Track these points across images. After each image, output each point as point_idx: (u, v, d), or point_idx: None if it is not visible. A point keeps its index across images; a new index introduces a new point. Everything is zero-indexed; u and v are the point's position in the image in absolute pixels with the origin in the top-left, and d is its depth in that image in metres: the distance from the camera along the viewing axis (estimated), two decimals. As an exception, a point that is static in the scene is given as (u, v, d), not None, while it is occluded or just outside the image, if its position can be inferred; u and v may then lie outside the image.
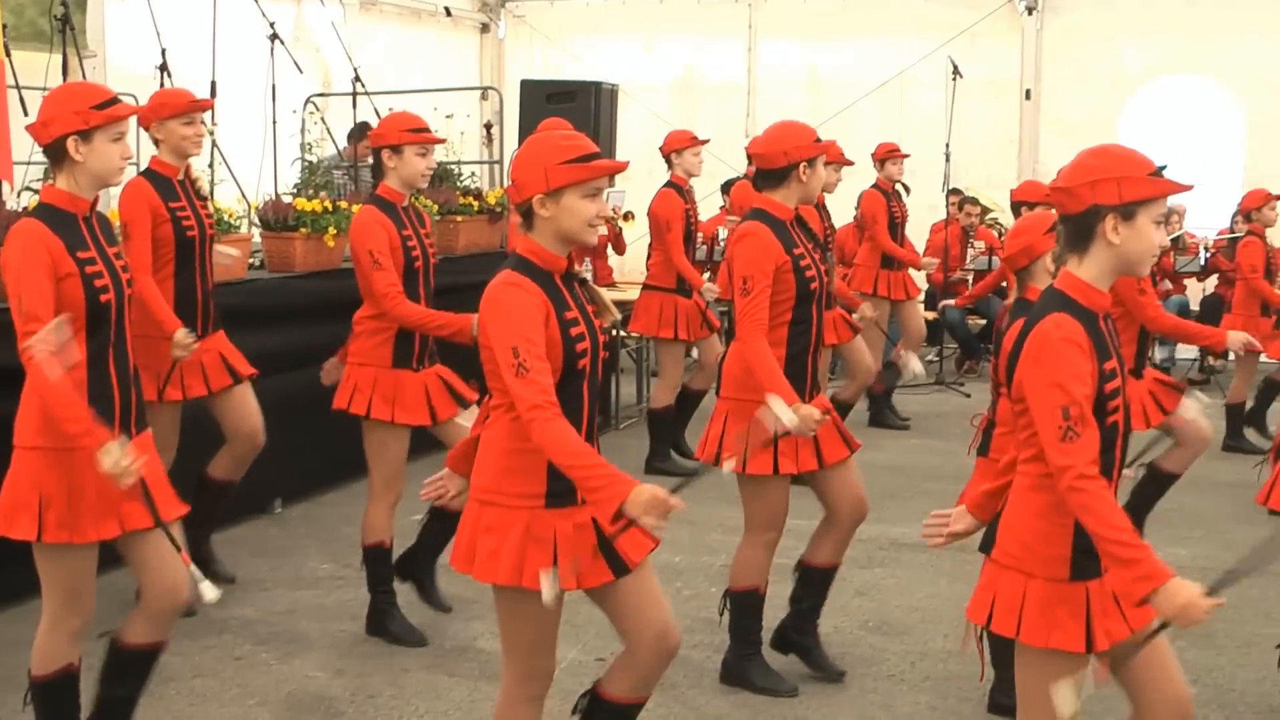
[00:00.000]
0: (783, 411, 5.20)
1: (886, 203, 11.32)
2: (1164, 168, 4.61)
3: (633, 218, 12.68)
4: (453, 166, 10.96)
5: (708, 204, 11.76)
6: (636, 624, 4.41)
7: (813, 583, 6.23)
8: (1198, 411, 6.22)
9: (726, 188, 13.11)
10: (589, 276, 9.22)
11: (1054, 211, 4.17)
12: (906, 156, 11.53)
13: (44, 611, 4.80)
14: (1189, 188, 3.90)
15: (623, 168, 4.38)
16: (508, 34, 17.12)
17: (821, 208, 9.96)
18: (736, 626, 6.14)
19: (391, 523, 6.62)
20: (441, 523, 6.72)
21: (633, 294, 11.26)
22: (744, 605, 6.11)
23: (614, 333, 10.97)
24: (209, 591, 4.61)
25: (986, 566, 4.01)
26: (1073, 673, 3.85)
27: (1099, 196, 3.74)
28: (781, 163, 5.81)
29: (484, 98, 15.89)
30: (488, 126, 14.28)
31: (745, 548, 6.04)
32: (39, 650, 4.81)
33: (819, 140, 5.95)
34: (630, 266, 14.89)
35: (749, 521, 6.00)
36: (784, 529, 6.03)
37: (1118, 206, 3.74)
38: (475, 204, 10.80)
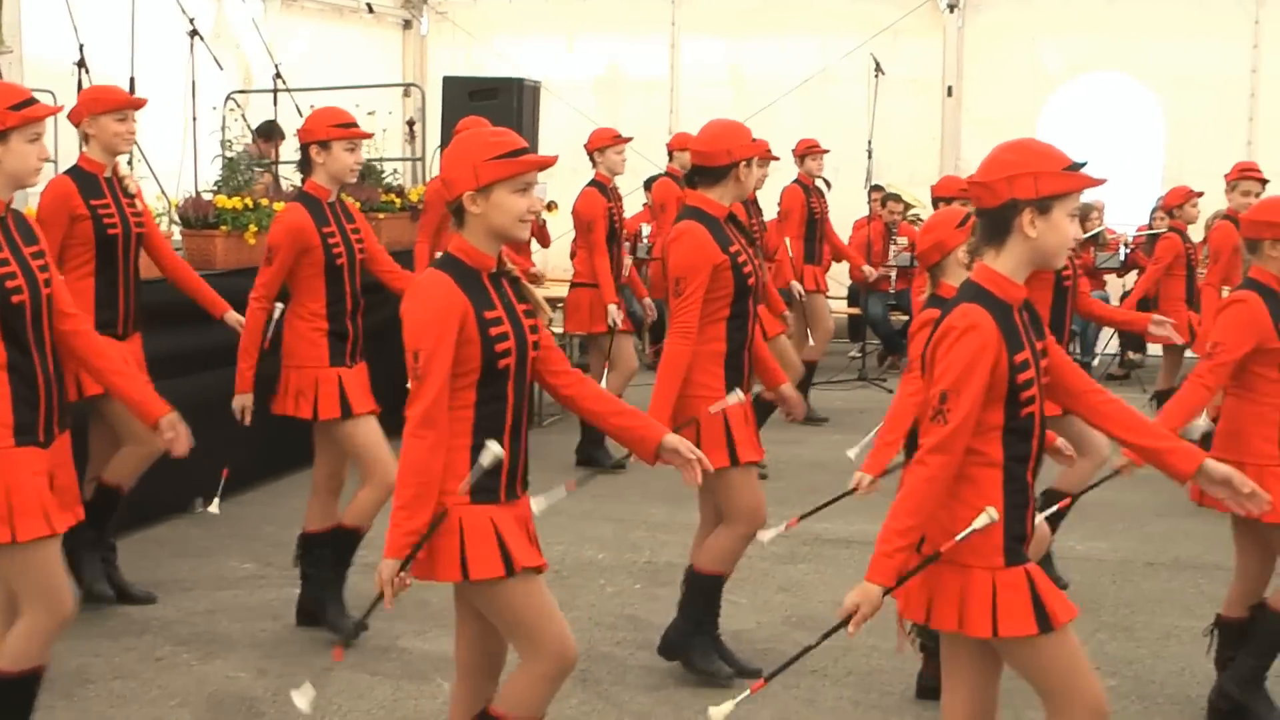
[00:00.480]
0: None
1: (805, 198, 11.36)
2: (1083, 164, 4.65)
3: (556, 207, 12.68)
4: (375, 163, 10.91)
5: (630, 201, 11.76)
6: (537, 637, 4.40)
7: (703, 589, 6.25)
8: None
9: (649, 184, 13.12)
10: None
11: (966, 207, 4.22)
12: (826, 152, 11.58)
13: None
14: (1103, 182, 3.96)
15: (551, 162, 4.38)
16: (430, 31, 17.06)
17: (751, 203, 9.99)
18: (690, 606, 6.16)
19: (334, 516, 6.62)
20: (346, 542, 6.69)
21: (558, 290, 11.28)
22: (706, 587, 6.14)
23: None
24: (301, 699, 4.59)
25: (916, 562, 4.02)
26: (1053, 652, 3.94)
27: (1016, 191, 3.78)
28: (724, 161, 5.83)
29: (406, 95, 15.81)
30: (410, 123, 14.22)
31: (724, 537, 6.06)
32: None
33: (755, 140, 6.01)
34: (554, 263, 14.88)
35: (731, 515, 6.02)
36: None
37: (1034, 201, 3.78)
38: (397, 201, 10.76)
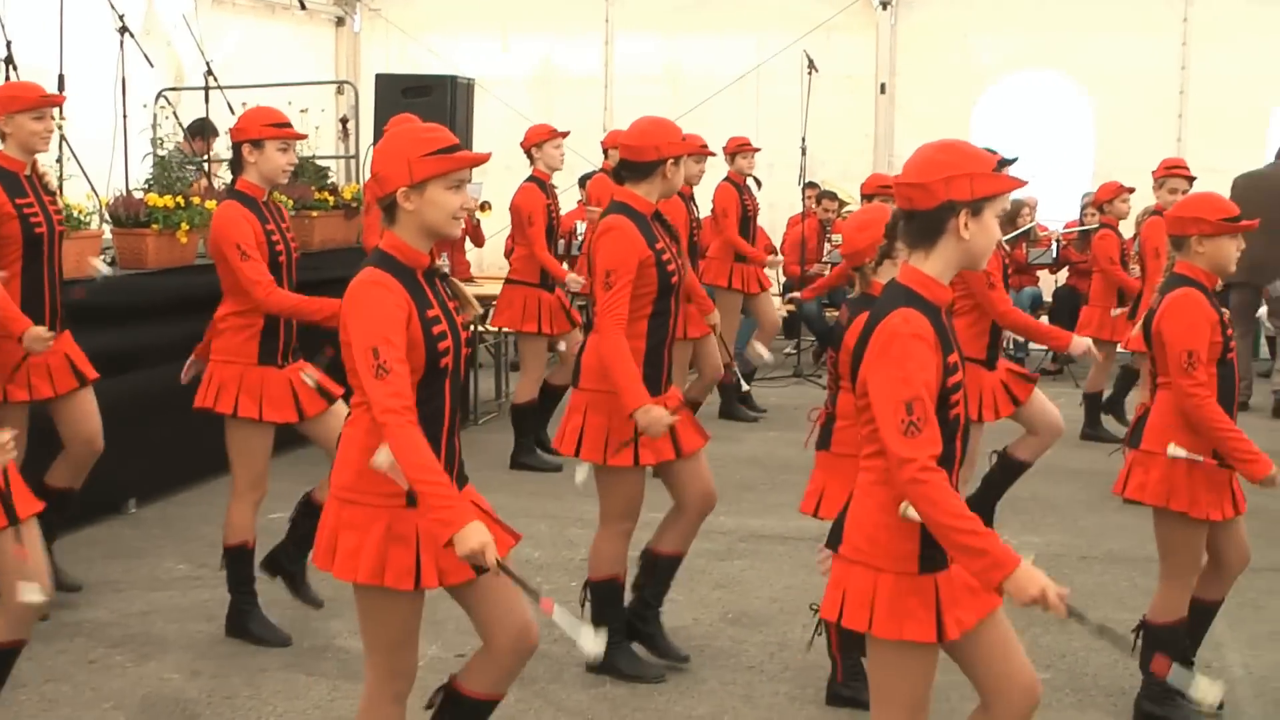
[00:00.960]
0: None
1: (739, 196, 11.38)
2: (1013, 160, 4.68)
3: (489, 207, 12.65)
4: (314, 162, 10.85)
5: (565, 198, 11.74)
6: (496, 621, 4.42)
7: (656, 570, 6.28)
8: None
9: (584, 181, 13.12)
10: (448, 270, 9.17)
11: (890, 204, 4.20)
12: (757, 150, 11.61)
13: None
14: (1022, 184, 3.99)
15: (485, 159, 4.38)
16: (363, 28, 16.98)
17: (689, 200, 10.00)
18: (599, 616, 6.16)
19: (254, 522, 6.56)
20: (311, 518, 6.67)
21: (491, 288, 11.25)
22: (605, 594, 6.14)
23: (473, 328, 10.93)
24: None
25: (835, 562, 4.01)
26: (925, 663, 3.90)
27: (953, 193, 3.77)
28: (651, 157, 5.86)
29: (339, 92, 15.74)
30: (343, 121, 14.15)
31: (602, 538, 6.08)
32: None
33: (684, 137, 6.02)
34: (489, 261, 14.86)
35: (606, 512, 6.05)
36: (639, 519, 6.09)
37: (970, 202, 3.78)
38: (331, 199, 10.71)
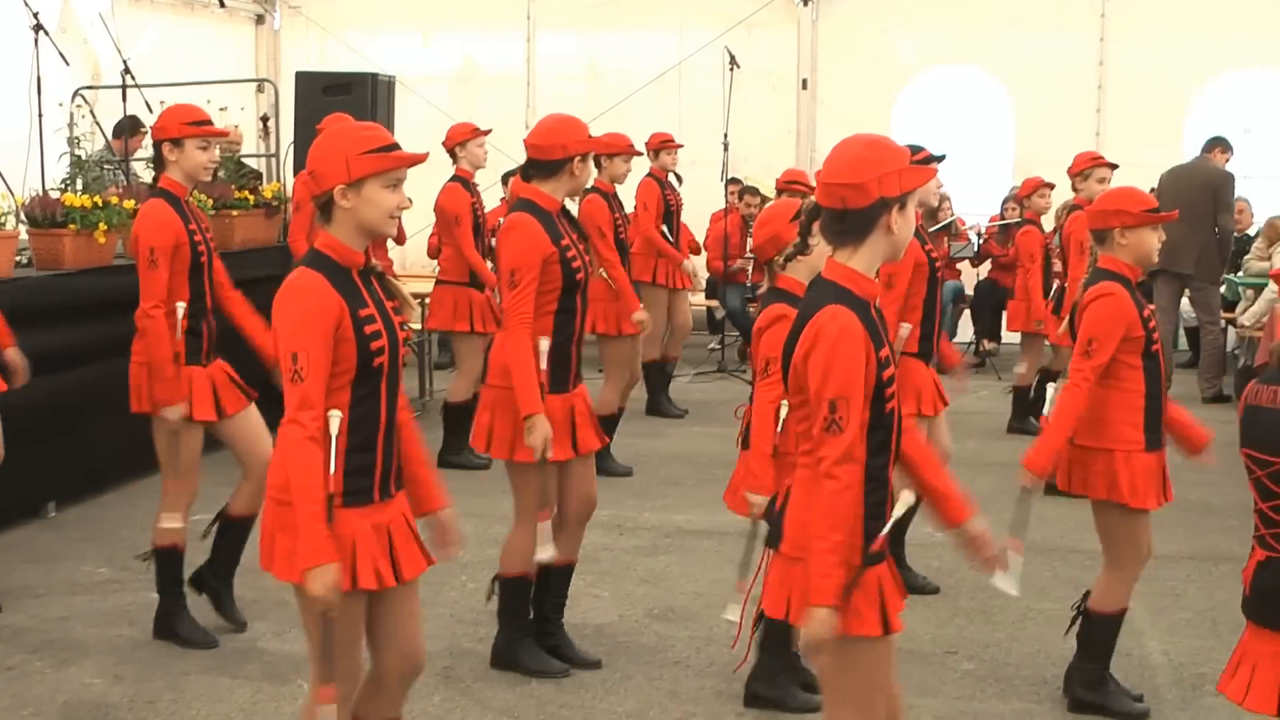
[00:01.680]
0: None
1: (661, 192, 11.38)
2: (942, 157, 4.72)
3: (410, 204, 12.57)
4: (239, 159, 10.77)
5: (488, 195, 11.71)
6: (386, 638, 4.41)
7: (550, 582, 6.28)
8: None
9: (506, 179, 13.08)
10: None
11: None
12: (680, 147, 11.61)
13: None
14: (934, 171, 4.03)
15: (423, 158, 4.36)
16: (283, 25, 16.87)
17: (612, 198, 9.99)
18: (507, 611, 6.18)
19: (186, 523, 6.50)
20: (230, 534, 6.62)
21: (417, 286, 11.20)
22: (514, 590, 6.15)
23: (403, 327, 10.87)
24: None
25: (776, 561, 4.01)
26: (874, 658, 3.92)
27: (885, 190, 3.78)
28: (558, 155, 5.87)
29: (260, 90, 15.64)
30: (264, 120, 14.05)
31: (516, 535, 6.07)
32: None
33: (591, 135, 6.02)
34: (412, 259, 14.80)
35: (519, 508, 6.04)
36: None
37: (899, 197, 3.80)
38: (251, 198, 10.62)
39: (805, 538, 3.79)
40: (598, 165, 9.83)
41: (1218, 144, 12.67)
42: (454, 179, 10.00)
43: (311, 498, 4.00)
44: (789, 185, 10.32)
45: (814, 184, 5.07)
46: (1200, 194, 12.16)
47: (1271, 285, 12.18)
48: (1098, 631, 5.77)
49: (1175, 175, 12.42)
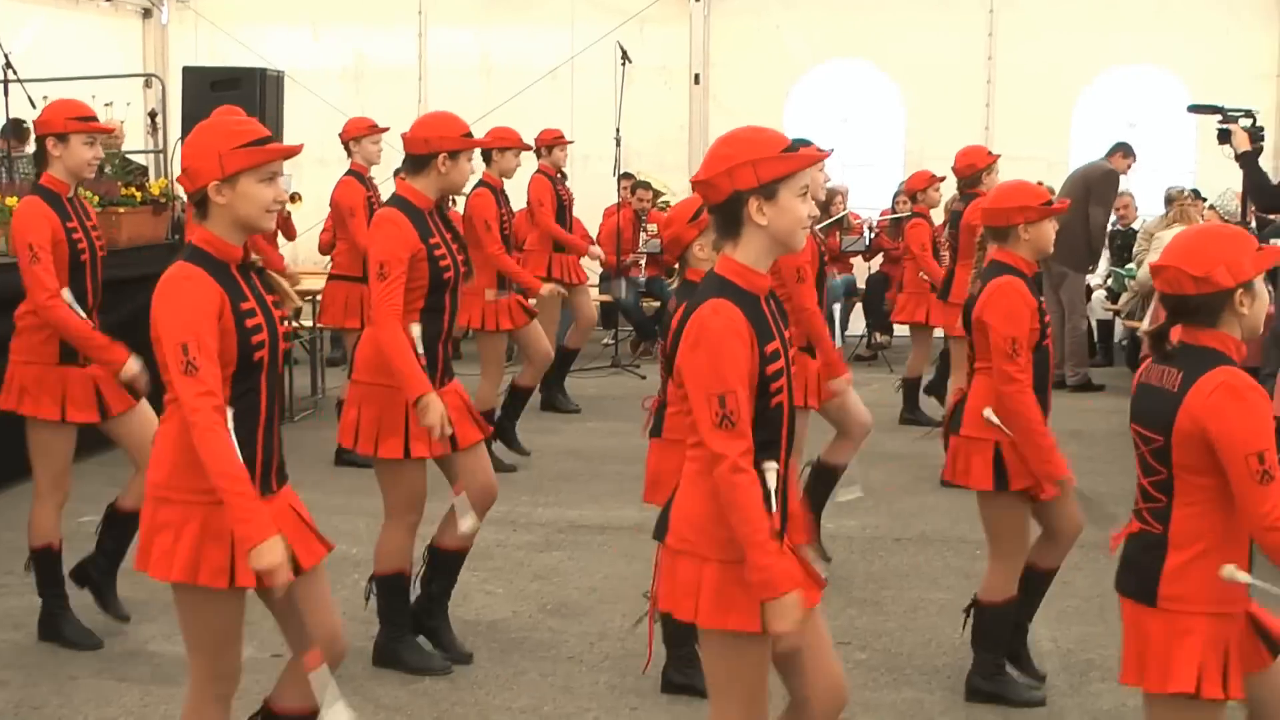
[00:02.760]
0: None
1: (553, 187, 11.36)
2: (804, 142, 4.72)
3: (300, 199, 12.49)
4: (124, 156, 10.61)
5: (383, 190, 11.64)
6: (303, 628, 4.35)
7: (443, 566, 6.28)
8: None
9: (399, 174, 13.00)
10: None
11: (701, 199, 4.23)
12: (571, 143, 11.61)
13: None
14: (826, 155, 4.02)
15: (297, 151, 4.34)
16: (171, 20, 16.66)
17: (501, 193, 9.96)
18: (386, 610, 6.17)
19: (59, 524, 6.41)
20: (118, 527, 6.55)
21: (310, 283, 11.12)
22: (391, 588, 6.15)
23: (289, 322, 10.80)
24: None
25: (662, 553, 4.02)
26: (755, 653, 3.90)
27: (737, 183, 3.78)
28: (422, 150, 5.89)
29: (147, 86, 15.42)
30: (152, 115, 13.87)
31: (387, 532, 6.09)
32: None
33: (469, 135, 6.00)
34: (304, 256, 14.69)
35: (389, 507, 6.05)
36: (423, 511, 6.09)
37: (757, 189, 3.78)
38: (139, 195, 10.48)
39: (739, 535, 3.74)
40: (487, 160, 9.81)
41: (1119, 149, 13.10)
42: (349, 173, 9.98)
43: (237, 478, 3.97)
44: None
45: None
46: (1077, 187, 12.61)
47: (1142, 276, 12.38)
48: (989, 622, 5.83)
49: (1074, 173, 13.10)
